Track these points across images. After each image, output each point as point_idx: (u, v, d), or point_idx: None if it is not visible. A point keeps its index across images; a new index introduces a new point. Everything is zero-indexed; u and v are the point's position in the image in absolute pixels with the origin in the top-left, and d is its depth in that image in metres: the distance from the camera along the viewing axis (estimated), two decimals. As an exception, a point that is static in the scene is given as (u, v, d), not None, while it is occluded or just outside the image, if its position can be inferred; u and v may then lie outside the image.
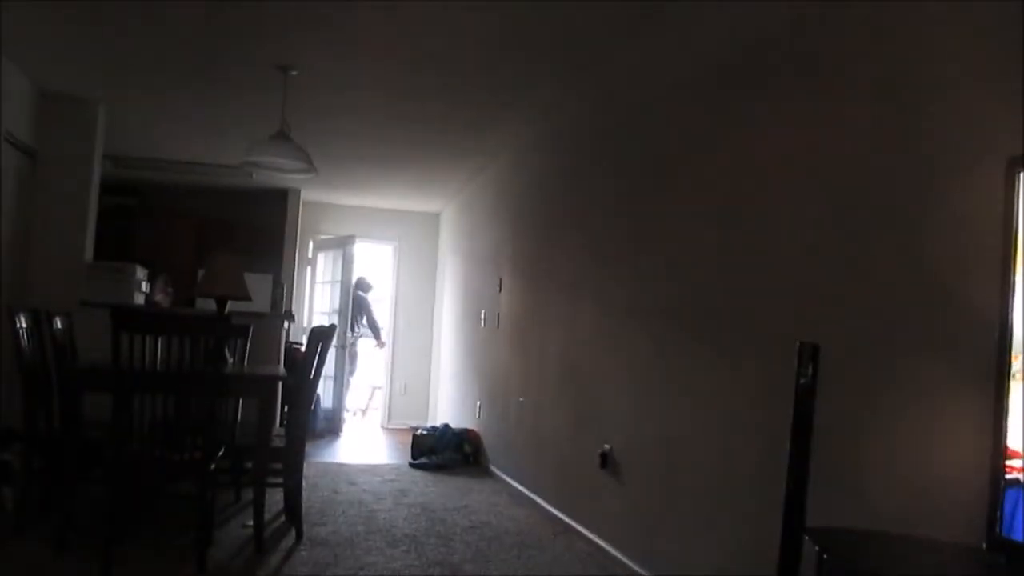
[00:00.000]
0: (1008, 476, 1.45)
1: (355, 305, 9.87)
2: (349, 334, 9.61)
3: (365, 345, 10.23)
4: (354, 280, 9.47)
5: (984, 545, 1.49)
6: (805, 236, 2.89)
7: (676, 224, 3.93)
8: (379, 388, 10.59)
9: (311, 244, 9.95)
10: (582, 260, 5.13)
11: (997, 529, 1.45)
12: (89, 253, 6.07)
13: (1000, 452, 1.46)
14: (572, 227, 5.39)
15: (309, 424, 5.48)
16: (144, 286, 6.54)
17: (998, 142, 1.90)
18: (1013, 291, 1.46)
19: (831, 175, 2.77)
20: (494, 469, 6.82)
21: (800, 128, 2.98)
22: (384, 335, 10.33)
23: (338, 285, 9.26)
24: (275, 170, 5.31)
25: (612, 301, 4.62)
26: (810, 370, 1.81)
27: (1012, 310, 1.46)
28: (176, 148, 7.45)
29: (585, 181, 5.21)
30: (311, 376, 4.44)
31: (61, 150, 5.86)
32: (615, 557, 4.20)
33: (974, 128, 2.15)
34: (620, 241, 4.57)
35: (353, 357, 10.16)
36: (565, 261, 5.46)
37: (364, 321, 10.05)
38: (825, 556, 1.64)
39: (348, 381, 10.01)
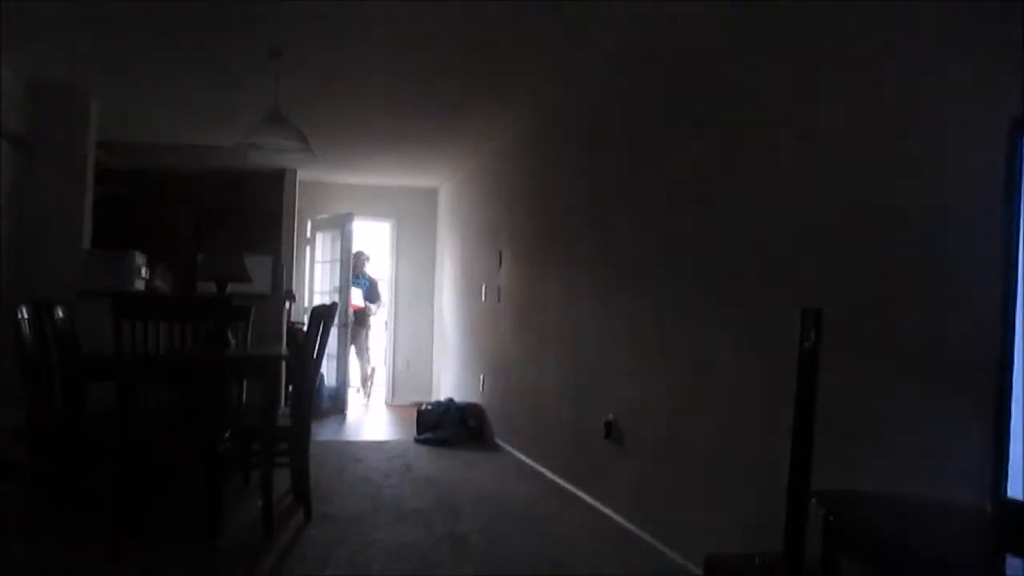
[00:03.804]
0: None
1: (371, 285, 9.97)
2: (372, 307, 9.95)
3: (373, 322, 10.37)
4: (357, 255, 9.54)
5: (989, 506, 1.50)
6: (806, 203, 2.88)
7: (676, 194, 3.92)
8: (375, 368, 10.70)
9: (309, 224, 9.93)
10: (582, 232, 5.12)
11: (1002, 490, 1.46)
12: (87, 241, 6.06)
13: (1004, 411, 1.46)
14: (572, 200, 5.37)
15: (315, 401, 5.50)
16: (144, 272, 6.53)
17: (1001, 102, 1.88)
18: (1017, 252, 1.46)
19: (831, 141, 2.76)
20: (499, 442, 6.86)
21: (800, 93, 2.96)
22: (383, 311, 10.42)
23: (338, 264, 9.25)
24: (272, 151, 5.28)
25: (613, 271, 4.62)
26: (813, 335, 1.81)
27: (1017, 271, 1.45)
28: (171, 134, 7.41)
29: (584, 154, 5.19)
30: (314, 355, 4.44)
31: (55, 139, 5.83)
32: (622, 526, 4.24)
33: (975, 87, 2.13)
34: (620, 212, 4.56)
35: (366, 336, 10.24)
36: (565, 234, 5.45)
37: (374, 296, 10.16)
38: (831, 518, 1.65)
39: (368, 357, 10.18)
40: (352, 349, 9.69)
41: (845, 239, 2.64)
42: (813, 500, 1.78)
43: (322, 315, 4.44)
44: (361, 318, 9.93)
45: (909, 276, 2.35)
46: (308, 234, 9.97)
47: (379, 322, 10.69)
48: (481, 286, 7.56)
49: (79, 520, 3.78)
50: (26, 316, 3.95)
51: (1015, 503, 1.45)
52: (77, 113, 5.96)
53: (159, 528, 4.08)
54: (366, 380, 10.31)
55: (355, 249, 9.42)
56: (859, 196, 2.58)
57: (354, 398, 9.84)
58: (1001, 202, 1.50)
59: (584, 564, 3.74)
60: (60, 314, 4.26)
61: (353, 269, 9.34)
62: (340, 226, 9.22)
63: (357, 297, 9.70)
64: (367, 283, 10.06)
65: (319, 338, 4.39)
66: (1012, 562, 1.41)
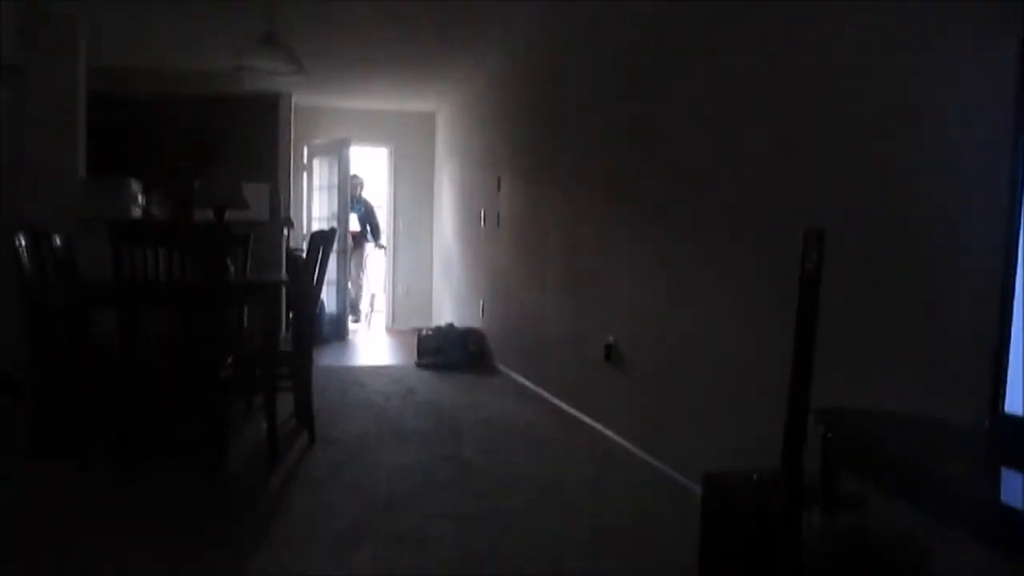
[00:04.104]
0: None
1: (366, 209, 9.92)
2: (371, 244, 10.01)
3: (371, 250, 10.36)
4: (354, 181, 9.47)
5: (987, 422, 1.51)
6: (807, 127, 2.84)
7: (675, 117, 3.86)
8: (376, 294, 10.73)
9: (306, 150, 9.82)
10: (581, 156, 5.06)
11: (1001, 405, 1.47)
12: (82, 169, 6.00)
13: (1005, 327, 1.46)
14: (571, 123, 5.30)
15: (316, 328, 5.53)
16: (141, 199, 6.48)
17: (1010, 21, 1.83)
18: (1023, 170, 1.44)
19: (831, 63, 2.70)
20: (499, 366, 6.92)
21: (802, 18, 2.89)
22: (383, 238, 10.38)
23: (335, 190, 9.18)
24: (266, 73, 5.18)
25: (613, 194, 4.59)
26: (815, 255, 1.80)
27: (1021, 188, 1.44)
28: (164, 59, 7.29)
29: (583, 77, 5.10)
30: (314, 281, 4.44)
31: (47, 67, 5.73)
32: (622, 446, 4.30)
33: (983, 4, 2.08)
34: (619, 135, 4.50)
35: (362, 263, 10.24)
36: (563, 158, 5.39)
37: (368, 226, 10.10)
38: (829, 435, 1.67)
39: (362, 285, 10.19)
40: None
41: (846, 159, 2.61)
42: (811, 417, 1.79)
43: (321, 241, 4.43)
44: (357, 241, 9.92)
45: (909, 193, 2.33)
46: (305, 160, 9.87)
47: (376, 250, 10.67)
48: (480, 211, 7.53)
49: (82, 444, 3.82)
50: (23, 244, 3.94)
51: (1012, 418, 1.46)
52: (66, 39, 5.84)
53: (164, 453, 4.15)
54: (355, 305, 10.34)
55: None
56: (860, 120, 2.55)
57: (354, 324, 9.90)
58: (1013, 112, 1.47)
59: (584, 484, 3.81)
60: (58, 242, 4.25)
61: None
62: (337, 152, 9.13)
63: (353, 222, 9.67)
64: (362, 208, 10.01)
65: (319, 264, 4.39)
66: (1008, 475, 1.43)
